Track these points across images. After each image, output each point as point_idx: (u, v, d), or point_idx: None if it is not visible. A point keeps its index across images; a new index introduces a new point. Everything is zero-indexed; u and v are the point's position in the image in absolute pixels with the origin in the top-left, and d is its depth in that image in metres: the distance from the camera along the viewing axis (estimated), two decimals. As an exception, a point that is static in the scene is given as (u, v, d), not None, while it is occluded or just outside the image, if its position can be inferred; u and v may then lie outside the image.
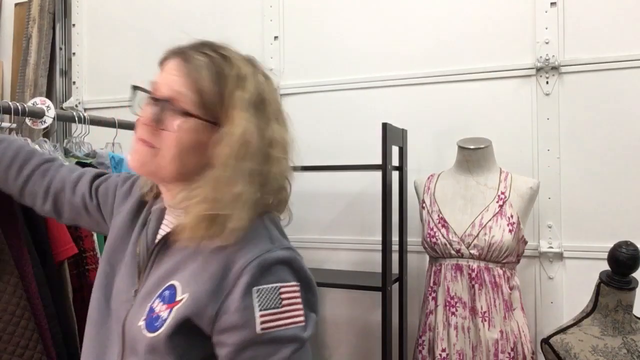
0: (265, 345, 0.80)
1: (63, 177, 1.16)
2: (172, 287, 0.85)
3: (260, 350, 0.80)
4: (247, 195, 0.83)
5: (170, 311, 0.83)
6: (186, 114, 0.85)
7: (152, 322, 0.83)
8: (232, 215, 0.82)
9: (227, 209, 0.82)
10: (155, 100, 0.87)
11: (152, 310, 0.85)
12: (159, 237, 0.93)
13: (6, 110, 1.53)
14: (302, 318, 0.84)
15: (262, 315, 0.80)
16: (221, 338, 0.82)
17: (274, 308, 0.81)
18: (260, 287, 0.81)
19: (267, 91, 0.91)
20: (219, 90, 0.86)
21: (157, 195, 0.99)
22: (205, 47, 0.90)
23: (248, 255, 0.83)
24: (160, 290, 0.86)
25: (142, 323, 0.85)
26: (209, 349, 0.84)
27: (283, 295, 0.82)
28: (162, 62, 0.92)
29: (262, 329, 0.80)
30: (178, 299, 0.83)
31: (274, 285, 0.82)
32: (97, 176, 1.15)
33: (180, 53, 0.89)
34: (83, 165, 1.71)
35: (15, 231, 1.36)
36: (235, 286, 0.81)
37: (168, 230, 0.91)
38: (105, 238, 1.05)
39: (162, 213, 0.97)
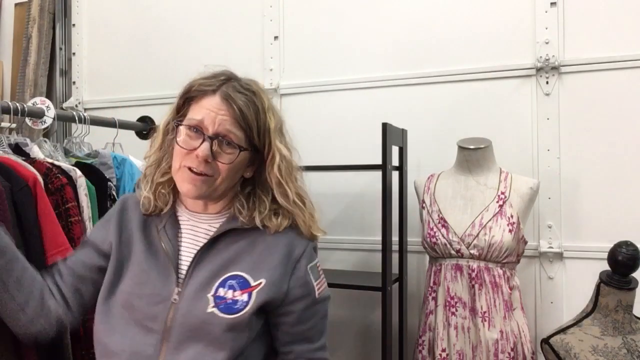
0: (318, 304, 1.11)
1: (56, 265, 1.20)
2: (238, 277, 1.05)
3: (316, 308, 1.11)
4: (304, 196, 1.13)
5: (249, 294, 1.04)
6: (238, 149, 1.05)
7: (230, 306, 1.03)
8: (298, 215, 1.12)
9: (292, 212, 1.11)
10: (210, 138, 1.03)
11: (221, 298, 1.04)
12: (198, 243, 1.09)
13: (6, 110, 1.53)
14: (326, 282, 1.15)
15: (316, 285, 1.11)
16: (288, 308, 1.08)
17: (318, 278, 1.12)
18: (310, 265, 1.11)
19: (277, 111, 1.13)
20: (257, 124, 1.07)
21: (160, 211, 1.14)
22: (234, 82, 1.08)
23: (302, 244, 1.11)
24: (219, 282, 1.05)
25: (212, 310, 1.02)
26: (264, 319, 1.08)
27: (318, 269, 1.13)
28: (193, 96, 1.08)
29: (318, 294, 1.10)
30: (254, 284, 1.05)
31: (315, 262, 1.13)
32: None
33: (219, 92, 1.06)
34: (83, 165, 1.71)
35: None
36: (297, 268, 1.09)
37: (210, 235, 1.09)
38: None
39: (175, 222, 1.12)
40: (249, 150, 1.07)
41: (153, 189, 1.11)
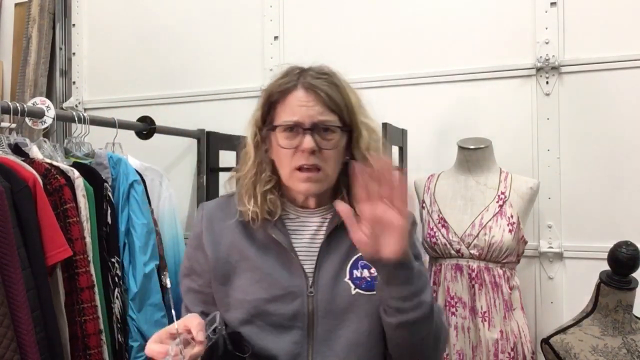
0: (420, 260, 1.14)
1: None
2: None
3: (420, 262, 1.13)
4: None
5: None
6: (339, 130, 1.05)
7: (372, 282, 1.05)
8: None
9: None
10: (309, 129, 1.03)
11: (359, 278, 1.07)
12: (318, 235, 1.10)
13: (6, 110, 1.53)
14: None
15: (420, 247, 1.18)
16: None
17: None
18: (415, 230, 1.19)
19: (353, 87, 1.12)
20: (345, 102, 1.07)
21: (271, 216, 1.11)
22: (310, 71, 1.08)
23: (409, 215, 1.10)
24: (350, 265, 1.07)
25: (357, 291, 1.06)
26: None
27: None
28: (279, 98, 1.07)
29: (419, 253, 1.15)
30: None
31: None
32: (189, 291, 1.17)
33: (299, 85, 1.06)
34: (81, 165, 1.71)
35: (3, 232, 1.34)
36: (411, 235, 1.09)
37: (325, 226, 1.10)
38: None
39: (283, 221, 1.11)
40: (345, 131, 1.07)
41: (260, 200, 1.08)
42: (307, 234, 1.10)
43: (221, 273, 1.09)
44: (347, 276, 1.07)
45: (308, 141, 1.02)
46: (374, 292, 1.04)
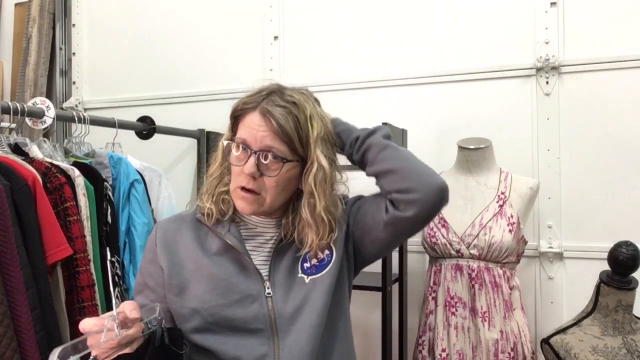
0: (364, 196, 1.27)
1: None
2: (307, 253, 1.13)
3: (364, 197, 1.28)
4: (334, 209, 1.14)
5: (329, 247, 1.14)
6: (281, 160, 1.07)
7: (320, 264, 1.13)
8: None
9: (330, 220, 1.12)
10: (255, 153, 1.06)
11: (308, 268, 1.13)
12: (269, 240, 1.15)
13: (6, 110, 1.53)
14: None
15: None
16: (358, 218, 1.20)
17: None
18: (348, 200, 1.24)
19: (324, 118, 1.16)
20: (299, 135, 1.08)
21: (223, 216, 1.15)
22: (275, 96, 1.09)
23: (348, 202, 1.24)
24: (301, 260, 1.13)
25: (309, 278, 1.11)
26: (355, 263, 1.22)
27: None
28: (238, 115, 1.11)
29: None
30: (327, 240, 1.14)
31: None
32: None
33: (259, 108, 1.08)
34: (81, 165, 1.71)
35: (3, 230, 1.34)
36: (347, 210, 1.21)
37: (274, 240, 1.14)
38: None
39: (238, 227, 1.15)
40: (295, 162, 1.09)
41: (215, 199, 1.14)
42: (260, 239, 1.15)
43: (176, 283, 1.10)
44: (300, 271, 1.12)
45: (249, 164, 1.05)
46: (325, 270, 1.11)
